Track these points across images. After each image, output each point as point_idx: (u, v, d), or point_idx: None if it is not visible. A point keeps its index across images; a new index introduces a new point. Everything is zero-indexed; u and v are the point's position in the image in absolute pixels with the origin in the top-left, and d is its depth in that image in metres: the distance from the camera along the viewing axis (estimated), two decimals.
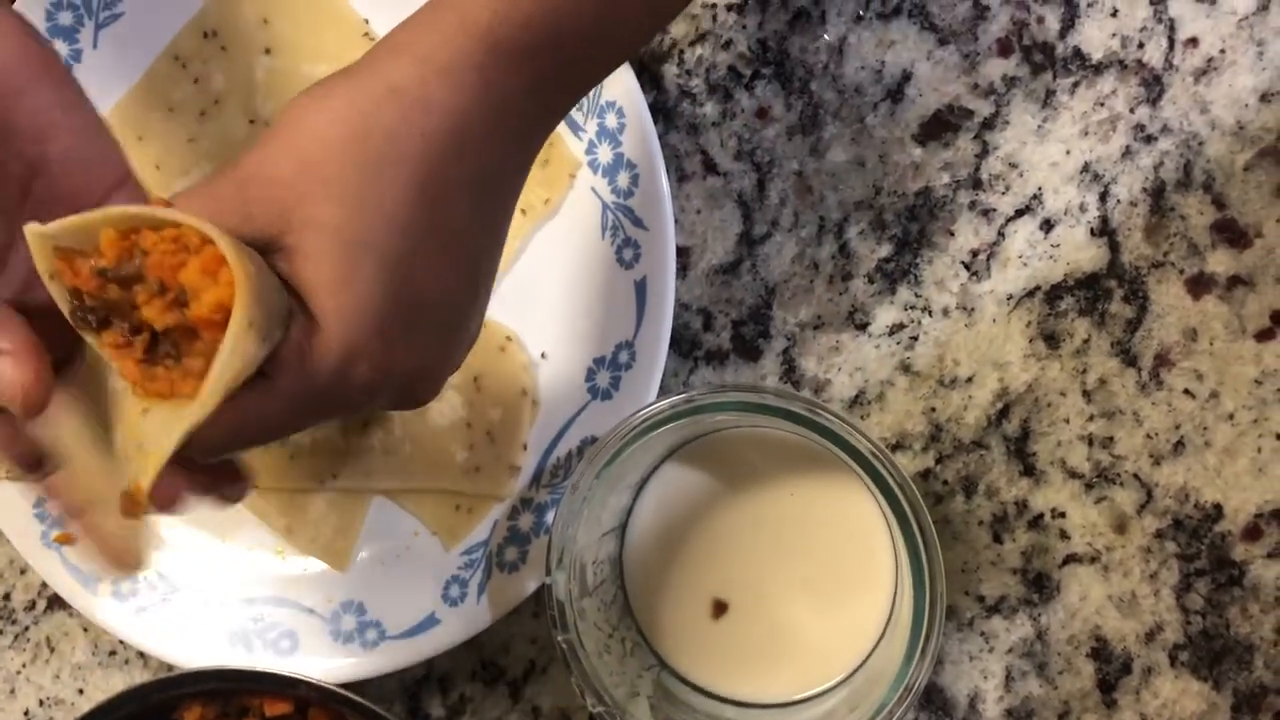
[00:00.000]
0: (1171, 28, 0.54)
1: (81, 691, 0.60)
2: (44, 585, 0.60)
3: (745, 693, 0.52)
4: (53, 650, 0.61)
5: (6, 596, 0.61)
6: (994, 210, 0.55)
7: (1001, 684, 0.54)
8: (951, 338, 0.55)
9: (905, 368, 0.55)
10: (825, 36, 0.55)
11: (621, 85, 0.53)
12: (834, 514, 0.51)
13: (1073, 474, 0.54)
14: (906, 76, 0.55)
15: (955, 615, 0.55)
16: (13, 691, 0.61)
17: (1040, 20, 0.54)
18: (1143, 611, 0.54)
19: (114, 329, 0.35)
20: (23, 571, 0.60)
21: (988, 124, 0.55)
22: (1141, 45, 0.54)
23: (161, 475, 0.34)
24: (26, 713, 0.61)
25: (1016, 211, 0.54)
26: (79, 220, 0.34)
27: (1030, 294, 0.54)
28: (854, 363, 0.55)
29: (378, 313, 0.36)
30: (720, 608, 0.51)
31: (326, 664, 0.55)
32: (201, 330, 0.34)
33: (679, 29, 0.56)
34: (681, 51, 0.56)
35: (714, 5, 0.56)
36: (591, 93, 0.54)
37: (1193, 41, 0.54)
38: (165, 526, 0.58)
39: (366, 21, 0.56)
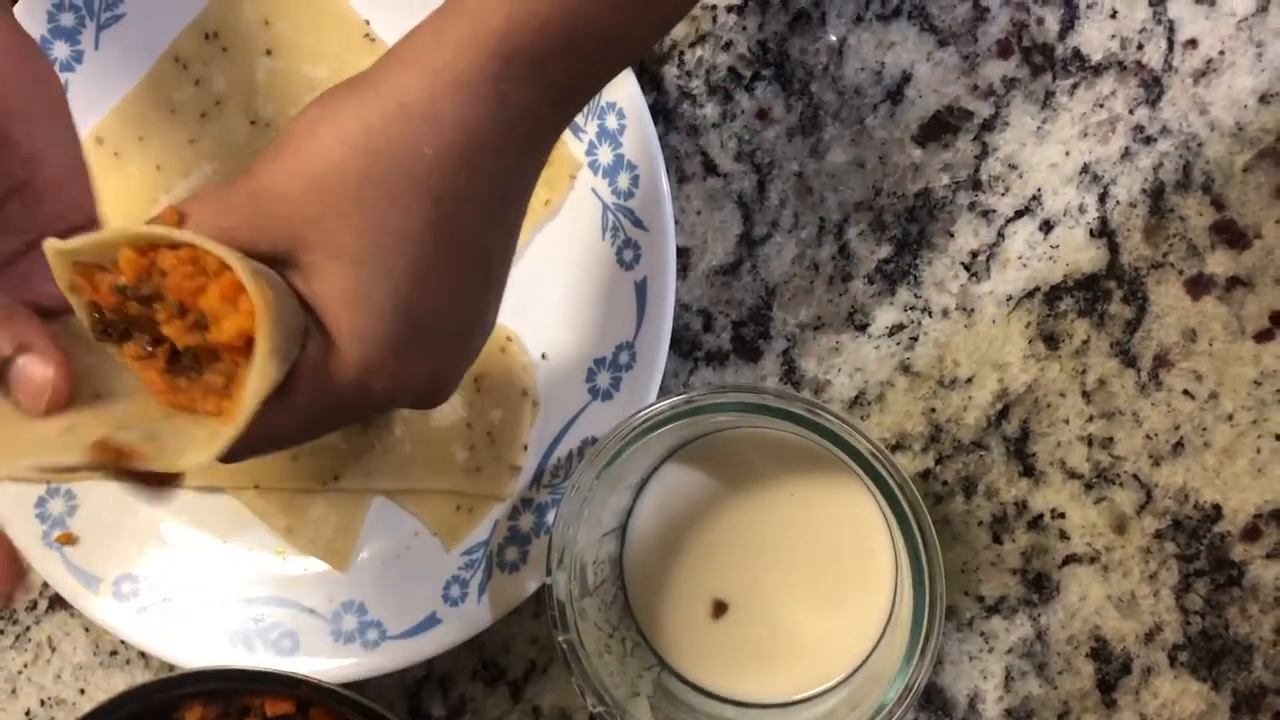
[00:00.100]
0: (1171, 29, 0.54)
1: (83, 691, 0.61)
2: (45, 585, 0.60)
3: (745, 692, 0.52)
4: (54, 650, 0.61)
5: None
6: (993, 211, 0.55)
7: (1001, 684, 0.55)
8: (951, 338, 0.55)
9: (905, 368, 0.55)
10: (826, 38, 0.55)
11: (622, 87, 0.54)
12: (834, 514, 0.51)
13: (1072, 474, 0.54)
14: (906, 78, 0.55)
15: (955, 615, 0.55)
16: (14, 691, 0.61)
17: (1040, 22, 0.54)
18: (1142, 612, 0.54)
19: (135, 341, 0.36)
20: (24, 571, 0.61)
21: (987, 125, 0.55)
22: (1141, 47, 0.54)
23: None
24: (28, 713, 0.61)
25: (1016, 212, 0.55)
26: (98, 238, 0.34)
27: (1030, 295, 0.54)
28: (854, 363, 0.55)
29: (392, 331, 0.36)
30: (720, 608, 0.52)
31: (327, 664, 0.55)
32: (222, 353, 0.35)
33: (679, 30, 0.56)
34: (682, 53, 0.56)
35: (714, 7, 0.56)
36: None
37: (1192, 43, 0.54)
38: (167, 527, 0.58)
39: (367, 23, 0.56)
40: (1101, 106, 0.54)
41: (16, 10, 0.56)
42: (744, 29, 0.56)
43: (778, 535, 0.51)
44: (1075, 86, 0.54)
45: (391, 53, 0.38)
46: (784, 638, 0.51)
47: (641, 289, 0.54)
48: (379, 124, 0.36)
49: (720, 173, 0.56)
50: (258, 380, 0.33)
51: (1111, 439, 0.54)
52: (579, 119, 0.55)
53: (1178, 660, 0.54)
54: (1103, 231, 0.54)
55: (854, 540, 0.50)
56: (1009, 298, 0.54)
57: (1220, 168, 0.53)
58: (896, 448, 0.55)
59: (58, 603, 0.60)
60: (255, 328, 0.33)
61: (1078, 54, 0.54)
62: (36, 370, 0.35)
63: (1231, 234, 0.53)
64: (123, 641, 0.59)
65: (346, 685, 0.53)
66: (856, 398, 0.55)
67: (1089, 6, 0.54)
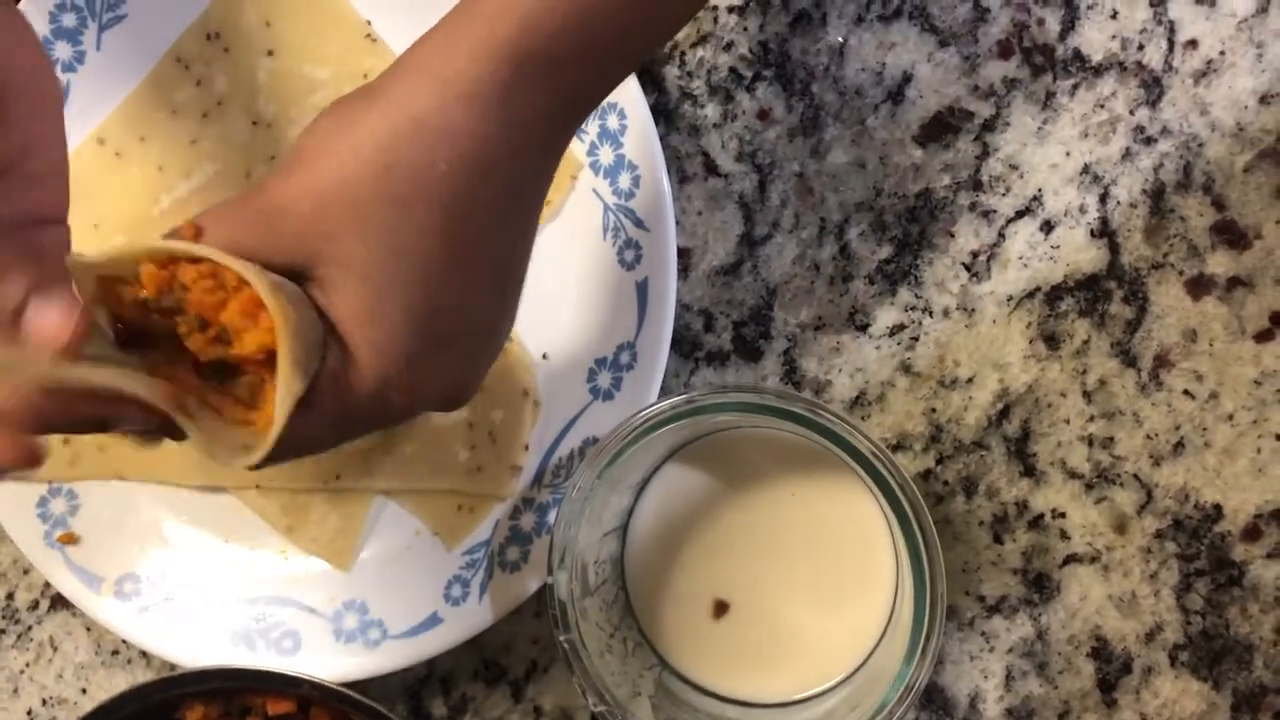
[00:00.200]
0: (1171, 30, 0.54)
1: (84, 691, 0.61)
2: (47, 585, 0.60)
3: (746, 692, 0.52)
4: (56, 650, 0.61)
5: (10, 596, 0.61)
6: (994, 212, 0.55)
7: (1002, 684, 0.55)
8: (952, 339, 0.55)
9: (906, 368, 0.55)
10: (827, 39, 0.55)
11: (623, 87, 0.54)
12: (835, 514, 0.51)
13: (1073, 474, 0.54)
14: (907, 78, 0.55)
15: (956, 615, 0.55)
16: (16, 691, 0.61)
17: (1040, 22, 0.54)
18: (1143, 611, 0.54)
19: (160, 350, 0.36)
20: (26, 571, 0.61)
21: (988, 126, 0.55)
22: (1141, 47, 0.54)
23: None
24: (30, 712, 0.61)
25: (1016, 213, 0.55)
26: (119, 251, 0.35)
27: (1030, 295, 0.54)
28: (855, 363, 0.55)
29: (407, 344, 0.37)
30: (721, 608, 0.52)
31: (329, 663, 0.55)
32: (245, 366, 0.35)
33: (680, 31, 0.56)
34: (683, 53, 0.56)
35: (715, 7, 0.56)
36: None
37: (1192, 43, 0.54)
38: (169, 526, 0.58)
39: (369, 23, 0.56)
40: (1102, 107, 0.54)
41: None
42: (745, 30, 0.56)
43: (779, 535, 0.51)
44: (1076, 87, 0.54)
45: (402, 61, 0.37)
46: (785, 637, 0.51)
47: (642, 289, 0.54)
48: (390, 138, 0.36)
49: (721, 173, 0.56)
50: (284, 395, 0.34)
51: (1112, 439, 0.54)
52: None
53: (1178, 660, 0.54)
54: (1103, 232, 0.54)
55: (855, 540, 0.51)
56: (1010, 298, 0.55)
57: (1221, 168, 0.53)
58: (897, 448, 0.55)
59: (59, 602, 0.60)
60: (276, 342, 0.34)
61: (1078, 55, 0.54)
62: (52, 310, 0.35)
63: (1232, 234, 0.53)
64: (124, 641, 0.59)
65: (348, 685, 0.53)
66: (857, 398, 0.55)
67: (1089, 7, 0.54)
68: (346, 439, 0.39)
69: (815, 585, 0.51)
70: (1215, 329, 0.53)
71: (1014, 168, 0.55)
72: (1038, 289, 0.54)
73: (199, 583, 0.57)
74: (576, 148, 0.55)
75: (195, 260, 0.35)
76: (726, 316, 0.56)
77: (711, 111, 0.56)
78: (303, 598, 0.57)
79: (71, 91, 0.57)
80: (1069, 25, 0.54)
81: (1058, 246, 0.54)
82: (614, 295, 0.55)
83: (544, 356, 0.56)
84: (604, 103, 0.54)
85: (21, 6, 0.56)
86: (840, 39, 0.55)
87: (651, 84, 0.56)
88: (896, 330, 0.55)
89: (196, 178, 0.57)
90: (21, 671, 0.61)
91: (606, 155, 0.55)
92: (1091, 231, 0.54)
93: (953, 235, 0.55)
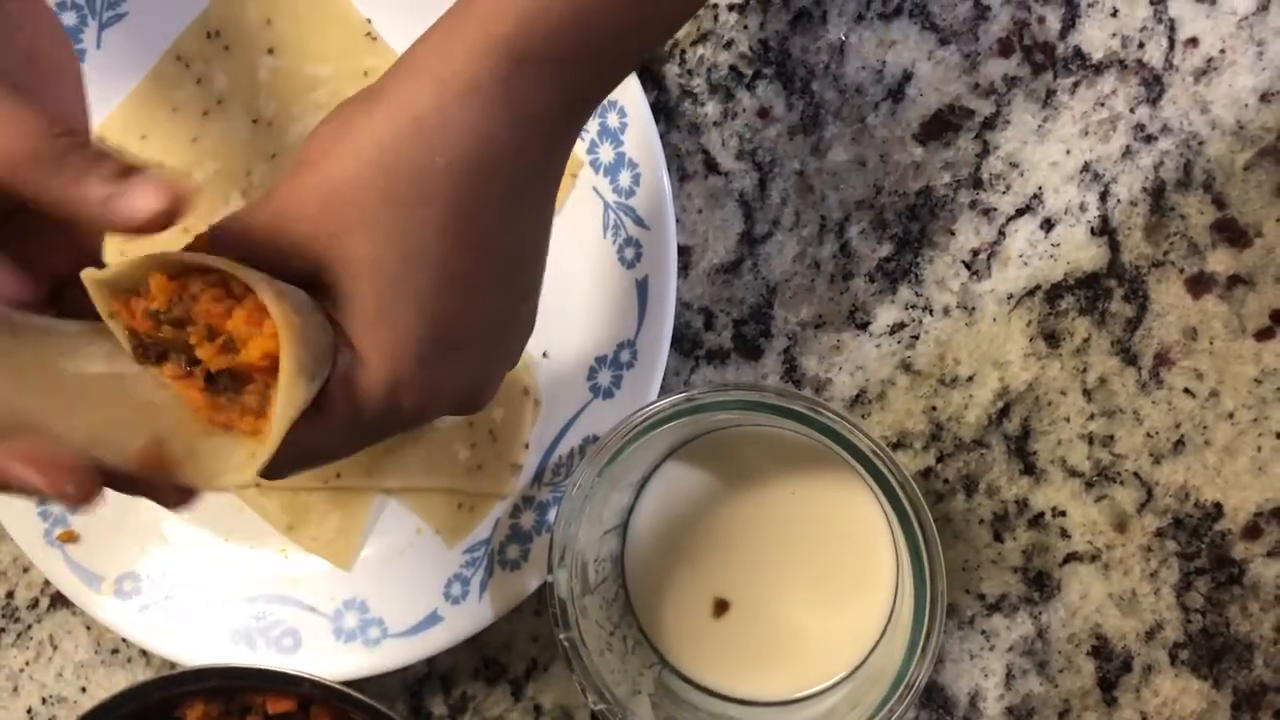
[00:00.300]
0: (1172, 28, 0.54)
1: (84, 689, 0.61)
2: (47, 583, 0.60)
3: (746, 691, 0.52)
4: (55, 648, 0.61)
5: (9, 595, 0.61)
6: (994, 210, 0.55)
7: (1002, 682, 0.55)
8: (952, 337, 0.55)
9: (906, 367, 0.55)
10: (827, 37, 0.55)
11: (623, 85, 0.53)
12: (835, 512, 0.51)
13: (1073, 473, 0.54)
14: (907, 76, 0.55)
15: (956, 613, 0.55)
16: (15, 689, 0.61)
17: (1041, 20, 0.54)
18: (1143, 610, 0.54)
19: (173, 362, 0.36)
20: (26, 570, 0.61)
21: (988, 123, 0.55)
22: (1142, 45, 0.54)
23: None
24: (29, 711, 0.61)
25: (1017, 211, 0.55)
26: (130, 265, 0.35)
27: (1030, 293, 0.54)
28: (855, 362, 0.55)
29: (418, 344, 0.37)
30: (721, 606, 0.52)
31: (329, 662, 0.55)
32: (253, 373, 0.35)
33: (680, 29, 0.56)
34: (683, 51, 0.56)
35: (715, 5, 0.56)
36: None
37: (1193, 41, 0.54)
38: (169, 525, 0.58)
39: (369, 21, 0.56)
40: (1102, 105, 0.54)
41: None
42: (745, 28, 0.56)
43: (779, 533, 0.51)
44: (1076, 85, 0.54)
45: (401, 62, 0.38)
46: (785, 636, 0.51)
47: (643, 287, 0.54)
48: (391, 139, 0.36)
49: (721, 171, 0.56)
50: (284, 401, 0.34)
51: (1112, 437, 0.54)
52: None
53: (1178, 658, 0.54)
54: (1104, 230, 0.54)
55: (855, 538, 0.51)
56: (1010, 296, 0.55)
57: (1221, 166, 0.53)
58: (897, 446, 0.55)
59: (59, 601, 0.60)
60: (280, 348, 0.34)
61: (1079, 52, 0.54)
62: (160, 177, 0.34)
63: (1232, 232, 0.53)
64: (124, 639, 0.59)
65: (348, 683, 0.53)
66: (857, 396, 0.55)
67: (1090, 5, 0.54)
68: (361, 446, 0.39)
69: (816, 583, 0.51)
70: (1215, 327, 0.53)
71: (1014, 166, 0.55)
72: (1038, 287, 0.54)
73: (199, 581, 0.57)
74: (577, 146, 0.55)
75: (205, 271, 0.36)
76: (727, 315, 0.56)
77: (712, 109, 0.56)
78: (303, 596, 0.57)
79: None
80: (1069, 23, 0.54)
81: (1058, 245, 0.54)
82: (614, 293, 0.55)
83: (544, 355, 0.56)
84: (604, 100, 0.54)
85: None
86: (840, 37, 0.55)
87: (652, 82, 0.56)
88: (897, 328, 0.55)
89: (197, 176, 0.57)
90: (21, 670, 0.61)
91: (607, 153, 0.55)
92: (1092, 229, 0.54)
93: (953, 233, 0.55)
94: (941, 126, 0.55)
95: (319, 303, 0.37)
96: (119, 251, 0.43)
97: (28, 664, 0.61)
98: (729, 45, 0.56)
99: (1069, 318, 0.54)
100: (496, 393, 0.42)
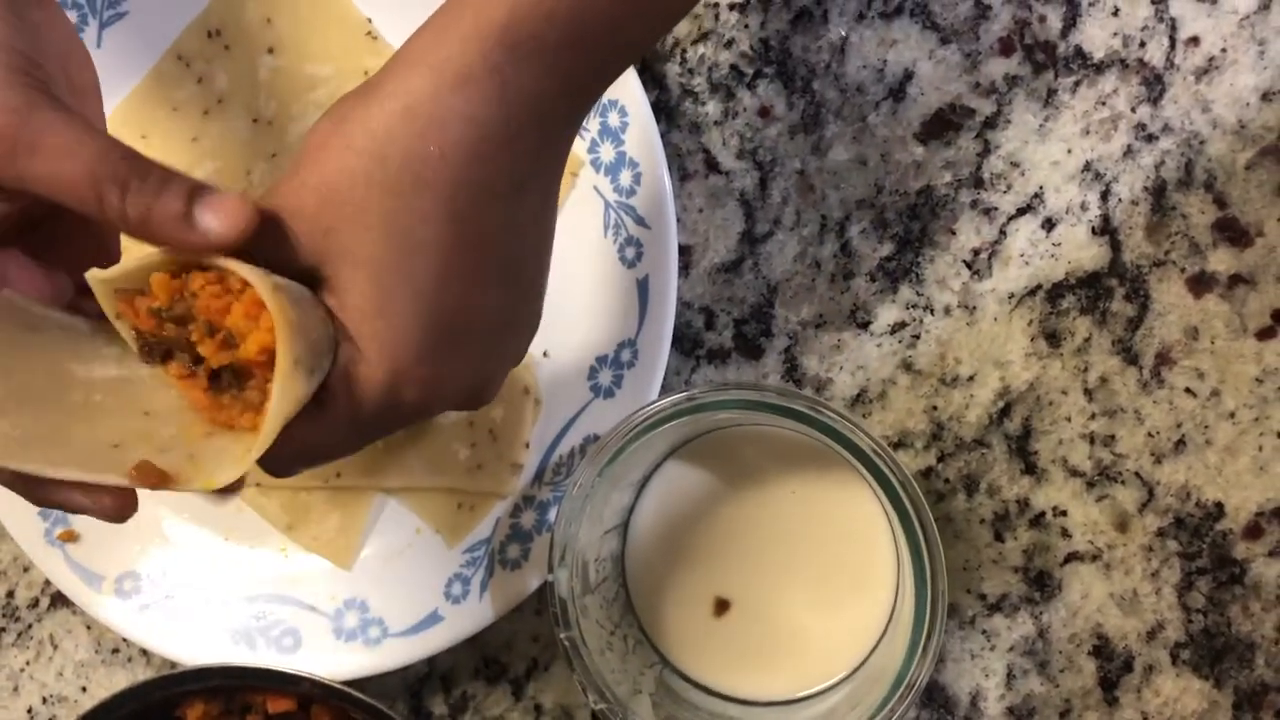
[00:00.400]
0: (1173, 27, 0.54)
1: (84, 689, 0.61)
2: (47, 583, 0.60)
3: (747, 690, 0.52)
4: (56, 648, 0.61)
5: (10, 594, 0.61)
6: (995, 209, 0.55)
7: (1003, 682, 0.55)
8: (953, 336, 0.55)
9: (907, 366, 0.55)
10: (828, 36, 0.55)
11: (624, 84, 0.54)
12: (836, 512, 0.51)
13: (1074, 472, 0.54)
14: (908, 75, 0.55)
15: (957, 613, 0.55)
16: (16, 689, 0.61)
17: (1042, 19, 0.54)
18: (1144, 610, 0.54)
19: (177, 361, 0.37)
20: (26, 569, 0.61)
21: (989, 123, 0.55)
22: (1143, 44, 0.54)
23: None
24: (30, 710, 0.61)
25: (1018, 210, 0.55)
26: (133, 265, 0.36)
27: (1032, 293, 0.54)
28: (856, 361, 0.55)
29: (417, 337, 0.37)
30: (722, 605, 0.52)
31: (329, 661, 0.55)
32: (253, 368, 0.36)
33: (681, 28, 0.56)
34: (684, 50, 0.56)
35: (716, 4, 0.56)
36: None
37: (1194, 40, 0.54)
38: (170, 524, 0.58)
39: (369, 20, 0.56)
40: (1103, 104, 0.54)
41: None
42: (746, 27, 0.56)
43: (780, 533, 0.51)
44: (1077, 84, 0.54)
45: (397, 55, 0.38)
46: (786, 635, 0.51)
47: (643, 286, 0.54)
48: (384, 128, 0.36)
49: (722, 170, 0.56)
50: (279, 392, 0.34)
51: (1113, 437, 0.54)
52: None
53: (1179, 658, 0.54)
54: (1105, 229, 0.54)
55: (856, 538, 0.50)
56: (1011, 295, 0.54)
57: (1222, 165, 0.53)
58: (898, 445, 0.55)
59: (60, 600, 0.60)
60: (275, 341, 0.34)
61: (1080, 52, 0.54)
62: (229, 196, 0.35)
63: (1233, 232, 0.53)
64: (124, 639, 0.59)
65: (348, 683, 0.53)
66: (858, 395, 0.55)
67: (1091, 4, 0.54)
68: (365, 441, 0.39)
69: (816, 583, 0.51)
70: (1217, 326, 0.53)
71: (1015, 165, 0.55)
72: (1039, 286, 0.54)
73: (199, 581, 0.57)
74: (577, 145, 0.55)
75: (206, 268, 0.36)
76: (727, 314, 0.56)
77: (712, 109, 0.56)
78: (303, 596, 0.57)
79: None
80: (1070, 22, 0.54)
81: (1059, 244, 0.54)
82: (615, 293, 0.55)
83: (545, 354, 0.56)
84: (605, 100, 0.54)
85: None
86: (841, 35, 0.55)
87: (652, 81, 0.56)
88: (898, 328, 0.55)
89: (197, 175, 0.56)
90: (22, 669, 0.61)
91: (607, 152, 0.54)
92: (1093, 229, 0.54)
93: (954, 233, 0.55)
94: (942, 126, 0.55)
95: (321, 298, 0.37)
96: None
97: (28, 663, 0.61)
98: (730, 44, 0.56)
99: (1070, 317, 0.54)
100: (500, 389, 0.42)
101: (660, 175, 0.53)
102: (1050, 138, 0.54)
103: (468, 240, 0.37)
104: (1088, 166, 0.54)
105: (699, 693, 0.52)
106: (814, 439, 0.47)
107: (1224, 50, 0.53)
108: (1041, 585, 0.54)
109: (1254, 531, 0.53)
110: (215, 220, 0.35)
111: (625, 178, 0.54)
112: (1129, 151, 0.54)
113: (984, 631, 0.55)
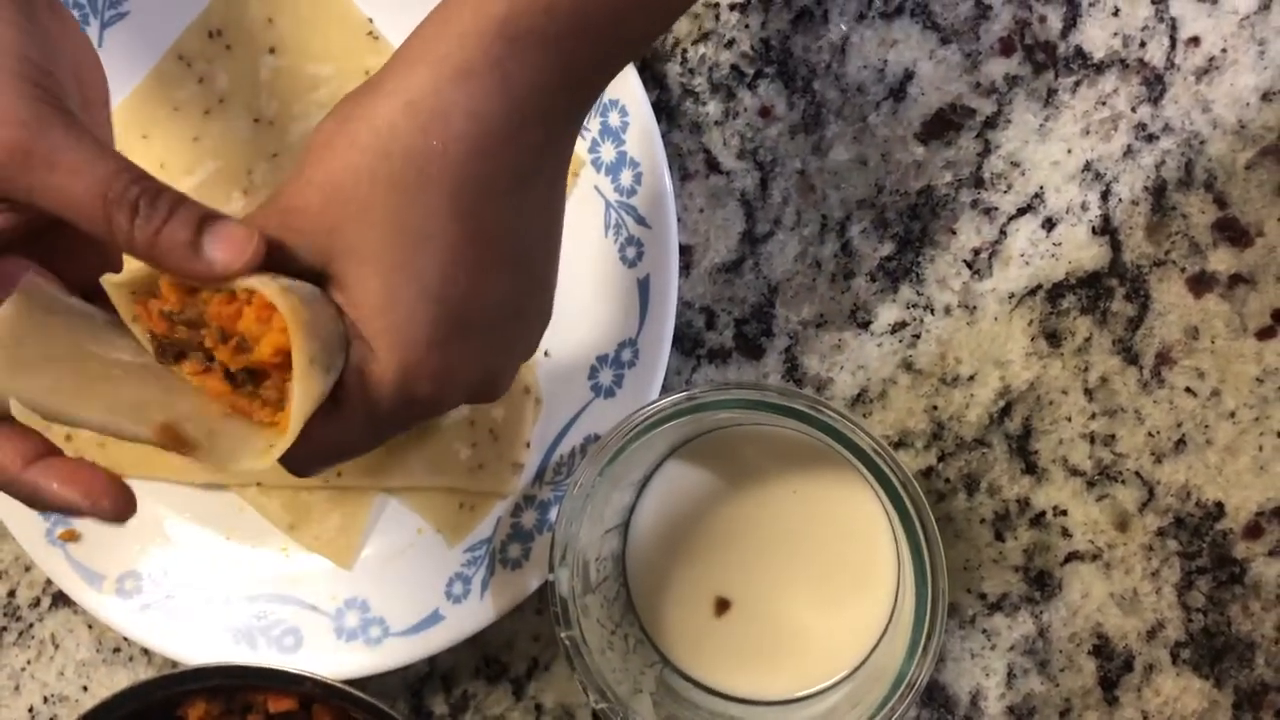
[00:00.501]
0: (1173, 27, 0.54)
1: (85, 688, 0.61)
2: (48, 582, 0.60)
3: (747, 689, 0.52)
4: (57, 647, 0.61)
5: (11, 594, 0.61)
6: (996, 209, 0.55)
7: (1003, 681, 0.55)
8: (953, 336, 0.55)
9: (907, 366, 0.55)
10: (828, 36, 0.55)
11: (625, 84, 0.54)
12: (836, 512, 0.51)
13: (1074, 472, 0.54)
14: (909, 75, 0.55)
15: (957, 613, 0.55)
16: (17, 688, 0.61)
17: (1042, 19, 0.54)
18: (1144, 609, 0.54)
19: (192, 360, 0.37)
20: (27, 569, 0.61)
21: (990, 123, 0.55)
22: (1143, 44, 0.54)
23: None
24: (31, 709, 0.61)
25: (1018, 210, 0.55)
26: (144, 269, 0.36)
27: (1032, 292, 0.54)
28: (856, 361, 0.55)
29: (426, 330, 0.37)
30: (723, 605, 0.52)
31: (330, 661, 0.55)
32: (268, 370, 0.36)
33: (682, 28, 0.56)
34: (684, 50, 0.56)
35: (716, 4, 0.56)
36: None
37: (1194, 41, 0.54)
38: (171, 524, 0.58)
39: (370, 20, 0.56)
40: (1104, 104, 0.54)
41: None
42: (747, 27, 0.56)
43: (780, 532, 0.51)
44: (1077, 84, 0.54)
45: (397, 53, 0.38)
46: (786, 635, 0.51)
47: (644, 286, 0.54)
48: (387, 125, 0.36)
49: (723, 170, 0.56)
50: (301, 391, 0.35)
51: (1114, 436, 0.54)
52: None
53: (1180, 658, 0.54)
54: (1105, 229, 0.54)
55: (856, 537, 0.51)
56: (1011, 295, 0.55)
57: (1222, 165, 0.53)
58: (899, 445, 0.55)
59: (61, 600, 0.60)
60: (288, 342, 0.35)
61: (1080, 52, 0.54)
62: (238, 228, 0.36)
63: (1234, 231, 0.53)
64: (125, 638, 0.59)
65: (349, 682, 0.53)
66: (859, 395, 0.55)
67: (1091, 4, 0.54)
68: (382, 438, 0.39)
69: (817, 583, 0.51)
70: (1217, 326, 0.53)
71: (1015, 165, 0.55)
72: (1039, 286, 0.54)
73: (200, 580, 0.57)
74: (578, 145, 0.55)
75: None
76: (728, 314, 0.56)
77: (713, 108, 0.56)
78: (304, 595, 0.57)
79: None
80: (1071, 22, 0.54)
81: (1059, 244, 0.54)
82: (616, 292, 0.55)
83: (545, 354, 0.56)
84: (605, 100, 0.54)
85: None
86: (842, 34, 0.55)
87: (653, 81, 0.56)
88: (898, 328, 0.55)
89: (198, 175, 0.57)
90: (23, 669, 0.61)
91: (608, 152, 0.55)
92: (1093, 229, 0.54)
93: (954, 232, 0.55)
94: (943, 125, 0.55)
95: (331, 297, 0.37)
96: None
97: (29, 663, 0.61)
98: (730, 44, 0.56)
99: (1070, 317, 0.54)
100: (511, 382, 0.42)
101: (661, 175, 0.53)
102: (1050, 138, 0.54)
103: (473, 234, 0.37)
104: (1088, 166, 0.54)
105: (700, 692, 0.52)
106: (815, 439, 0.47)
107: (1224, 50, 0.53)
108: (1042, 585, 0.54)
109: (1254, 531, 0.53)
110: (222, 252, 0.35)
111: (626, 177, 0.54)
112: (1129, 151, 0.54)
113: (984, 631, 0.55)
